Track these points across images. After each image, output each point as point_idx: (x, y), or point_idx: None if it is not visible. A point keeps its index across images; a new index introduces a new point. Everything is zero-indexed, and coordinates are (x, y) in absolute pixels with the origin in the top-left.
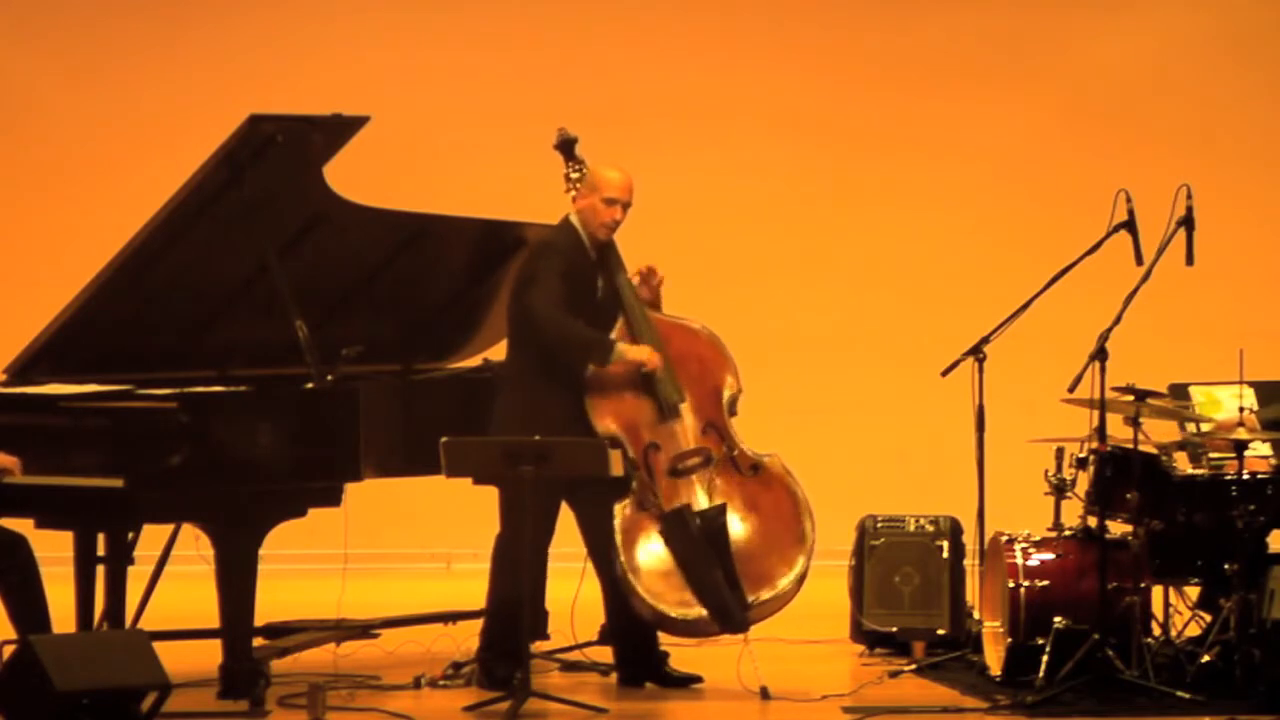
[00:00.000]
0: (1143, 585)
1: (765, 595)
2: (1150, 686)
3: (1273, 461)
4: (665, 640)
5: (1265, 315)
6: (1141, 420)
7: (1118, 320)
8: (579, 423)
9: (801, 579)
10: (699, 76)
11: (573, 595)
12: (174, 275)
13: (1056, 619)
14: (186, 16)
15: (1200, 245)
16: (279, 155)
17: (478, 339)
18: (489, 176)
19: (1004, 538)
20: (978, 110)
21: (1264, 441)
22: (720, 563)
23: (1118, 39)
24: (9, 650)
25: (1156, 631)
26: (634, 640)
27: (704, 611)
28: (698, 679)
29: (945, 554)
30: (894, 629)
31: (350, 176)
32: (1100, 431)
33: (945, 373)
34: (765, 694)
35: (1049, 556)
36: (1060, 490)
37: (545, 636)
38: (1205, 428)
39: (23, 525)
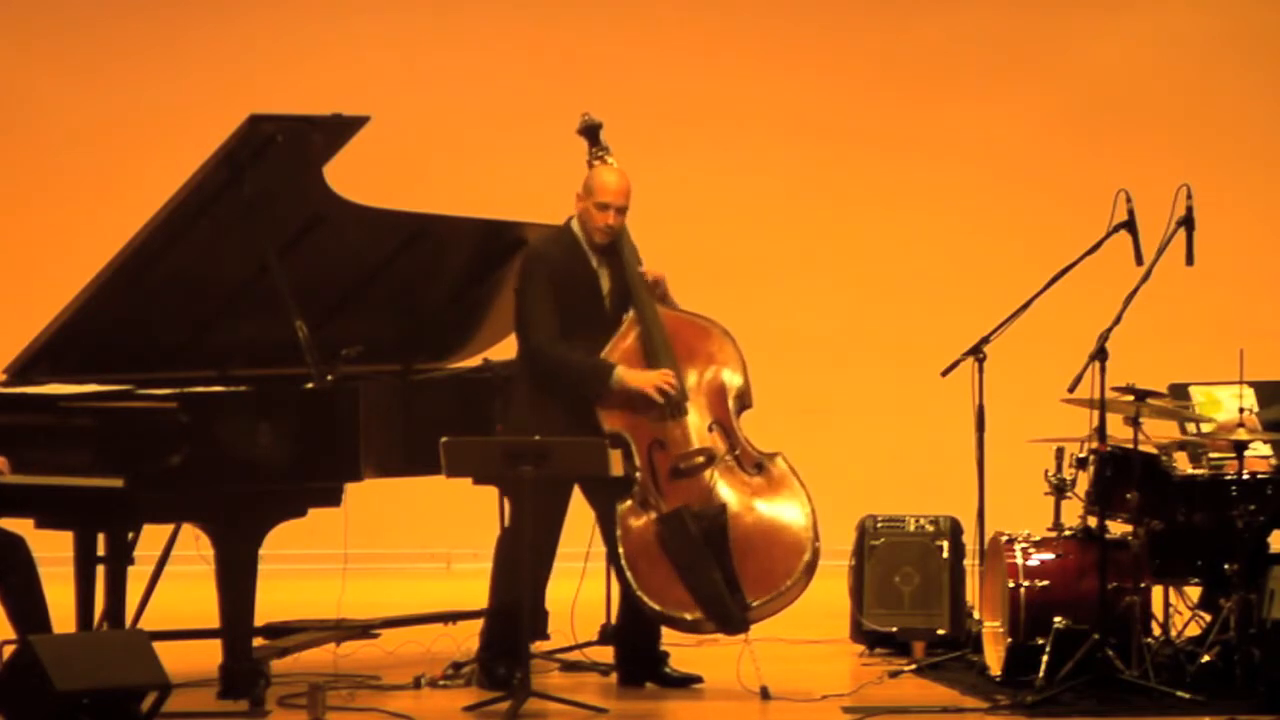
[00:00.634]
0: (1143, 585)
1: (767, 596)
2: (1150, 686)
3: (1273, 461)
4: (665, 640)
5: (1265, 315)
6: (1141, 420)
7: (1118, 320)
8: (586, 420)
9: (807, 578)
10: (699, 77)
11: (573, 595)
12: (174, 275)
13: (1056, 619)
14: (186, 16)
15: (1200, 245)
16: (279, 155)
17: (478, 339)
18: (489, 176)
19: (1004, 538)
20: (978, 110)
21: (1264, 441)
22: (719, 564)
23: (1118, 39)
24: (9, 650)
25: (1156, 631)
26: (635, 640)
27: (702, 613)
28: (698, 679)
29: (945, 554)
30: (894, 629)
31: (350, 176)
32: (1100, 431)
33: (945, 373)
34: (765, 694)
35: (1049, 556)
36: (1060, 490)
37: (545, 636)
38: (1205, 428)
39: (23, 525)
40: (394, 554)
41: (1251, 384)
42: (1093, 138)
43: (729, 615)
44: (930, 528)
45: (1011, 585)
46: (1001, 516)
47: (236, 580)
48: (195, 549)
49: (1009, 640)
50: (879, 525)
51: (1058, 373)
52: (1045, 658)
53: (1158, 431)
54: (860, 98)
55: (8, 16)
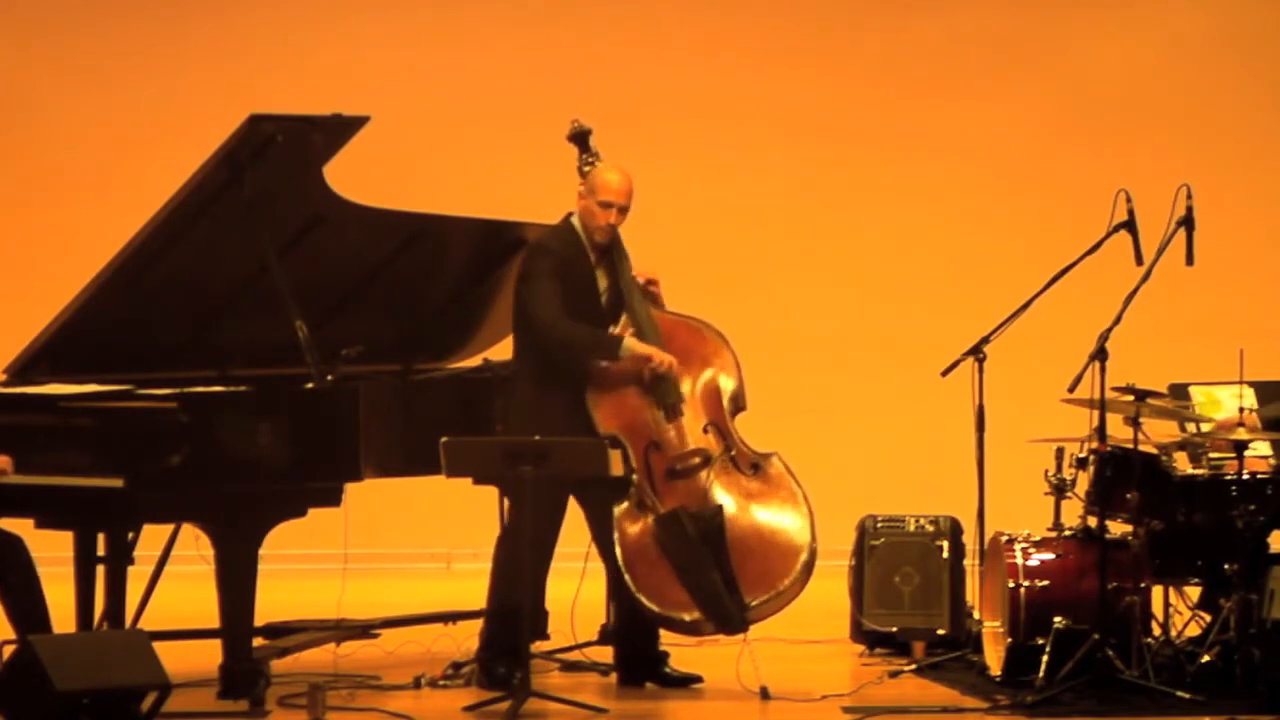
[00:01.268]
0: (1143, 585)
1: (765, 596)
2: (1150, 686)
3: (1273, 461)
4: (665, 640)
5: (1265, 315)
6: (1141, 420)
7: (1118, 320)
8: (581, 422)
9: (804, 578)
10: (699, 77)
11: (573, 595)
12: (174, 275)
13: (1056, 619)
14: (186, 16)
15: (1200, 245)
16: (279, 155)
17: (478, 339)
18: (489, 176)
19: (1004, 538)
20: (978, 110)
21: (1264, 441)
22: (717, 565)
23: (1118, 39)
24: (9, 650)
25: (1156, 631)
26: (634, 640)
27: (700, 614)
28: (698, 679)
29: (945, 554)
30: (894, 629)
31: (350, 176)
32: (1100, 431)
33: (945, 373)
34: (765, 694)
35: (1049, 556)
36: (1060, 490)
37: (545, 636)
38: (1205, 428)
39: (23, 525)
40: (394, 554)
41: (1251, 384)
42: (1093, 138)
43: (728, 616)
44: (930, 528)
45: (1011, 585)
46: (1001, 516)
47: (236, 580)
48: (195, 549)
49: (1009, 640)
50: (879, 525)
51: (1058, 373)
52: (1045, 658)
53: (1158, 431)
54: (860, 98)
55: (8, 16)
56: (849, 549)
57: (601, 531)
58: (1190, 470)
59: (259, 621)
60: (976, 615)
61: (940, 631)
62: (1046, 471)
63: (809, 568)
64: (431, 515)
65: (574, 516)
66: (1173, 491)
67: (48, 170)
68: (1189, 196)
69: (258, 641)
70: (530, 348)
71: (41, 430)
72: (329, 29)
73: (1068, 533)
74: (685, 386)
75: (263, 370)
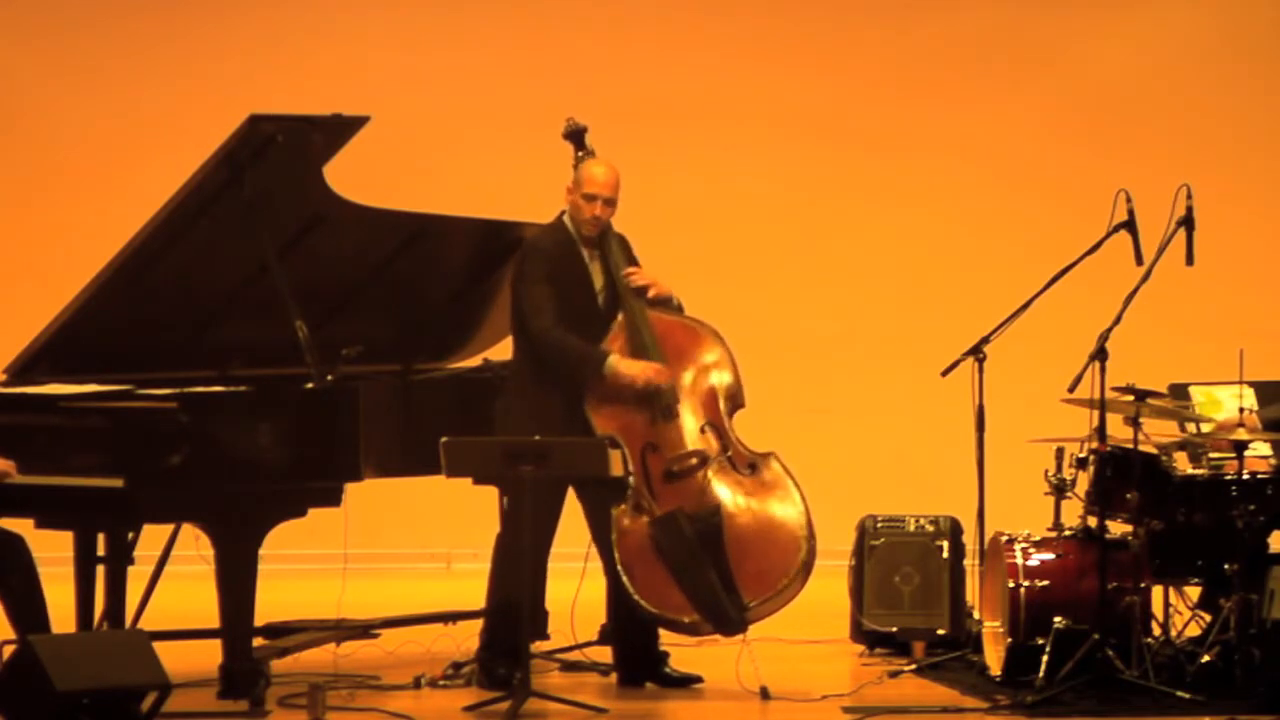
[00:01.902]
0: (1143, 585)
1: (763, 596)
2: (1150, 686)
3: (1273, 461)
4: (665, 640)
5: (1265, 315)
6: (1141, 420)
7: (1118, 320)
8: (579, 423)
9: (803, 577)
10: (698, 77)
11: (573, 595)
12: (174, 275)
13: (1056, 619)
14: (186, 16)
15: (1200, 245)
16: (279, 155)
17: (478, 339)
18: (489, 176)
19: (1004, 538)
20: (978, 110)
21: (1264, 441)
22: (715, 566)
23: (1118, 39)
24: (9, 650)
25: (1156, 631)
26: (634, 640)
27: (699, 615)
28: (698, 679)
29: (945, 554)
30: (894, 629)
31: (350, 176)
32: (1100, 431)
33: (945, 373)
34: (765, 694)
35: (1049, 556)
36: (1060, 490)
37: (545, 636)
38: (1205, 428)
39: (23, 525)
40: (394, 554)
41: (1251, 384)
42: (1093, 138)
43: (726, 616)
44: (930, 528)
45: (1011, 585)
46: (1001, 516)
47: (236, 580)
48: (195, 549)
49: (1009, 640)
50: (879, 525)
51: (1058, 373)
52: (1045, 658)
53: (1158, 431)
54: (860, 98)
55: (8, 16)
56: (849, 549)
57: (600, 532)
58: (1190, 470)
59: (259, 621)
60: (976, 615)
61: (940, 631)
62: (1046, 471)
63: (807, 567)
64: (431, 515)
65: (574, 516)
66: (1173, 491)
67: (48, 170)
68: (1189, 196)
69: (258, 641)
70: (525, 351)
71: (41, 430)
72: (329, 29)
73: (1068, 533)
74: (682, 386)
75: (263, 370)
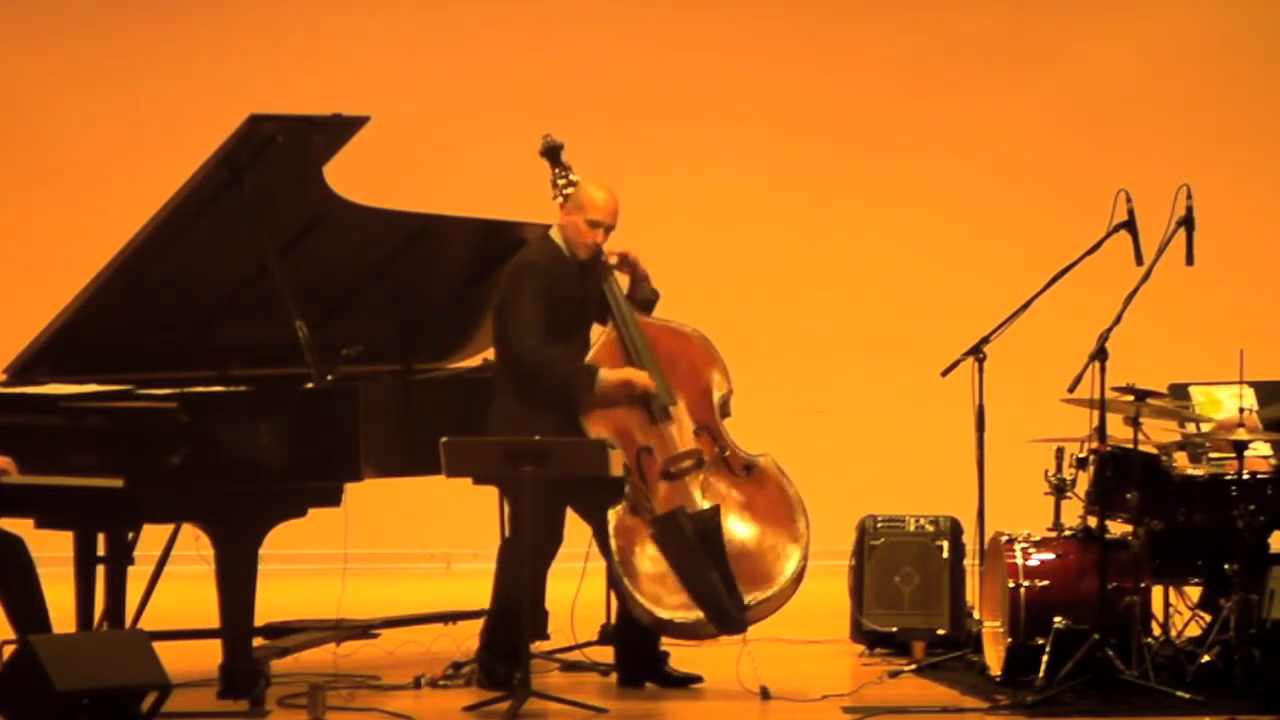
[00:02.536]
0: (1143, 585)
1: (762, 595)
2: (1150, 686)
3: (1273, 461)
4: (665, 640)
5: (1265, 315)
6: (1141, 420)
7: (1118, 320)
8: (571, 428)
9: (799, 577)
10: (698, 77)
11: (573, 595)
12: (174, 275)
13: (1056, 619)
14: (186, 16)
15: (1200, 245)
16: (279, 155)
17: (478, 339)
18: (489, 176)
19: (1004, 538)
20: (978, 110)
21: (1264, 441)
22: (716, 564)
23: (1118, 39)
24: (9, 650)
25: (1156, 631)
26: (635, 640)
27: (701, 614)
28: (698, 679)
29: (945, 554)
30: (894, 629)
31: (350, 176)
32: (1100, 431)
33: (945, 373)
34: (765, 694)
35: (1049, 556)
36: (1060, 490)
37: (545, 636)
38: (1205, 428)
39: (23, 525)
40: (394, 554)
41: (1251, 384)
42: (1093, 138)
43: (726, 615)
44: (930, 528)
45: (1011, 585)
46: (1001, 516)
47: (236, 580)
48: (195, 549)
49: (1009, 640)
50: (879, 525)
51: (1058, 373)
52: (1045, 658)
53: (1158, 431)
54: (860, 97)
55: (8, 16)
56: (849, 549)
57: (600, 534)
58: (1190, 470)
59: (259, 621)
60: (976, 615)
61: (940, 631)
62: (1046, 471)
63: (802, 568)
64: (431, 515)
65: (574, 516)
66: (1173, 491)
67: (48, 170)
68: (1189, 196)
69: (258, 641)
70: (509, 362)
71: (41, 430)
72: (329, 29)
73: (1068, 533)
74: (674, 387)
75: (263, 370)
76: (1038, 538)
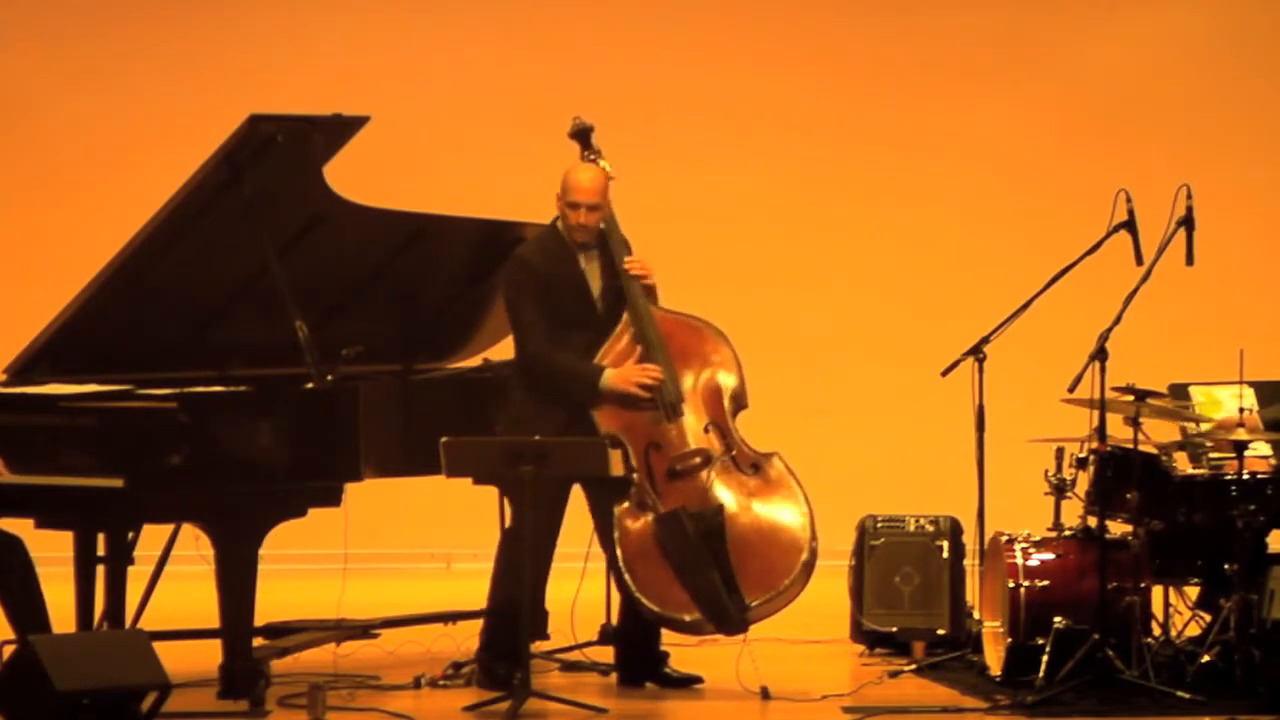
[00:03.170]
0: (1143, 585)
1: (765, 596)
2: (1150, 686)
3: (1273, 461)
4: (665, 640)
5: (1265, 315)
6: (1141, 420)
7: (1118, 320)
8: (582, 422)
9: (805, 578)
10: (698, 77)
11: (573, 595)
12: (174, 275)
13: (1056, 619)
14: (186, 16)
15: (1200, 245)
16: (279, 155)
17: (478, 339)
18: (489, 176)
19: (1004, 538)
20: (978, 110)
21: (1264, 441)
22: (717, 565)
23: (1118, 39)
24: (9, 650)
25: (1156, 631)
26: (635, 640)
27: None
28: (698, 679)
29: (945, 554)
30: (894, 629)
31: (350, 176)
32: (1100, 431)
33: (945, 373)
34: (765, 694)
35: (1049, 556)
36: (1060, 490)
37: (545, 636)
38: (1205, 428)
39: (23, 525)
40: (394, 554)
41: (1251, 384)
42: (1093, 138)
43: (727, 616)
44: (930, 528)
45: (1011, 585)
46: (1001, 516)
47: (236, 580)
48: (195, 549)
49: (1009, 640)
50: (879, 525)
51: (1058, 373)
52: (1045, 658)
53: (1158, 431)
54: (860, 97)
55: (8, 17)
56: (849, 549)
57: (604, 530)
58: (1190, 470)
59: (259, 621)
60: (976, 615)
61: (940, 631)
62: (1046, 471)
63: (809, 567)
64: (431, 515)
65: (574, 517)
66: (1173, 491)
67: (48, 170)
68: (1189, 196)
69: (258, 641)
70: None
71: (41, 430)
72: (329, 29)
73: (1068, 533)
74: (686, 385)
75: (263, 370)
76: (1038, 538)
